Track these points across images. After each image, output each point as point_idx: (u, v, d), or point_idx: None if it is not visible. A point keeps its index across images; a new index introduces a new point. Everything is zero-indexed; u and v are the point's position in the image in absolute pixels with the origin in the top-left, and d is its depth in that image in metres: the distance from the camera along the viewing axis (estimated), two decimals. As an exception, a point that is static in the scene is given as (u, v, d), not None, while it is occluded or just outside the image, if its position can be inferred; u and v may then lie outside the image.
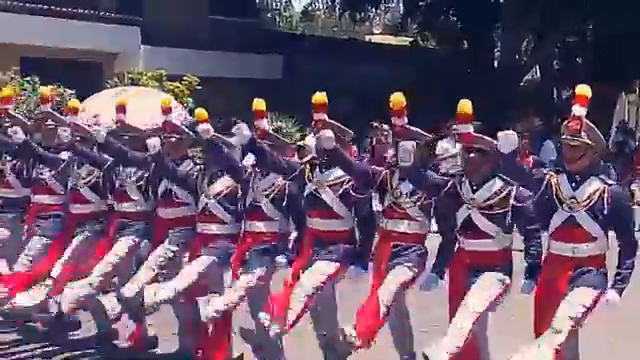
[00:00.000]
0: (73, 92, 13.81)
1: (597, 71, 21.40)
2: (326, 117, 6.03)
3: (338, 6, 26.48)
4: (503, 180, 5.57)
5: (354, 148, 13.95)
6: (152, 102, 11.84)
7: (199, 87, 15.48)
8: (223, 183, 6.54)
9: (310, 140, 14.41)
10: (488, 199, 5.55)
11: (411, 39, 26.60)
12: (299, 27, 35.17)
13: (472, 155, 5.60)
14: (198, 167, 6.79)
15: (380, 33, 33.38)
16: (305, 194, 6.21)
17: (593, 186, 5.35)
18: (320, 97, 6.04)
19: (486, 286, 5.47)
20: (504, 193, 5.55)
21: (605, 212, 5.28)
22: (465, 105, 5.51)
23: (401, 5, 27.29)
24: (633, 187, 17.89)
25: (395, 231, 5.95)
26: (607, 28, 21.15)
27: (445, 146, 16.45)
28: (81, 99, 13.32)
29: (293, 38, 27.38)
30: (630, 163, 18.47)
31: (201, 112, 6.35)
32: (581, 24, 22.43)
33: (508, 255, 5.65)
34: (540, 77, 25.12)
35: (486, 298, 5.44)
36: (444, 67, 22.82)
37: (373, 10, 26.36)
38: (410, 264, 5.85)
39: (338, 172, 6.09)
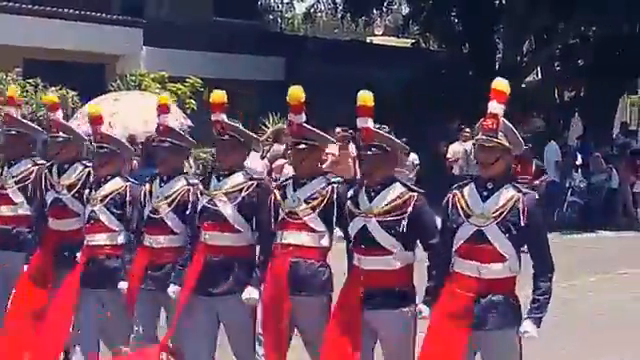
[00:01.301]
0: (76, 93, 13.85)
1: (598, 72, 21.38)
2: (224, 117, 5.52)
3: (340, 7, 26.48)
4: (405, 186, 5.04)
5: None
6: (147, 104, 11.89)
7: (202, 89, 15.49)
8: (111, 186, 5.93)
9: (332, 147, 14.23)
10: (387, 205, 4.94)
11: (413, 41, 26.59)
12: (301, 29, 35.16)
13: (370, 153, 5.01)
14: (88, 170, 6.18)
15: (382, 35, 33.36)
16: (199, 207, 5.52)
17: (506, 195, 4.70)
18: (218, 96, 5.55)
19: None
20: (404, 198, 4.95)
21: (518, 225, 4.65)
22: (365, 97, 5.02)
23: (403, 7, 27.29)
24: (637, 189, 17.82)
25: (292, 244, 5.21)
26: (608, 30, 21.14)
27: (456, 149, 16.50)
28: (83, 101, 13.43)
29: (296, 40, 27.36)
30: (633, 165, 18.44)
31: (93, 109, 5.97)
32: (585, 26, 22.41)
33: (410, 276, 5.02)
34: (541, 78, 25.09)
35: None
36: (446, 69, 22.80)
37: (375, 12, 26.33)
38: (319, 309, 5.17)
39: (237, 179, 5.48)
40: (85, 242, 5.94)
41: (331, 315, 5.10)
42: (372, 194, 5.00)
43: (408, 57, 24.48)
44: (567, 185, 17.49)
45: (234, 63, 20.87)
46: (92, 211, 5.89)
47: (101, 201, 5.87)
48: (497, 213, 4.67)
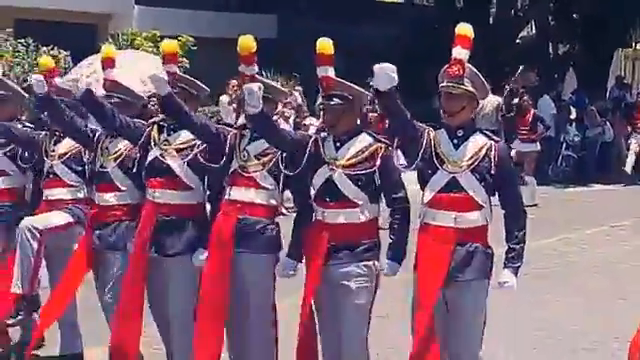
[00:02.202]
0: (68, 53, 13.77)
1: (593, 26, 21.27)
2: (177, 69, 5.29)
3: (332, -37, 26.23)
4: (371, 136, 4.86)
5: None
6: (143, 64, 11.82)
7: (194, 47, 15.40)
8: (68, 143, 5.81)
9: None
10: (353, 157, 4.75)
11: (406, -3, 26.43)
12: (293, -15, 34.93)
13: (333, 103, 4.80)
14: (27, 129, 6.03)
15: (375, -10, 33.05)
16: (148, 160, 5.28)
17: (478, 143, 4.61)
18: (170, 46, 5.30)
19: (355, 312, 4.73)
20: (371, 150, 4.77)
21: (492, 172, 4.57)
22: (324, 45, 4.79)
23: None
24: (631, 141, 17.81)
25: (240, 201, 4.99)
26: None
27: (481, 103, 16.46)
28: (76, 61, 13.36)
29: (288, -3, 27.16)
30: (627, 117, 18.44)
31: (45, 60, 5.75)
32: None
33: (375, 230, 4.83)
34: (536, 33, 24.97)
35: (362, 322, 4.75)
36: (439, 24, 22.68)
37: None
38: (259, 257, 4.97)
39: (189, 134, 5.21)
40: (44, 197, 5.83)
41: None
42: (338, 144, 4.82)
43: (401, 13, 24.32)
44: (561, 139, 17.50)
45: (226, 21, 20.72)
46: (51, 166, 5.80)
47: (59, 158, 5.79)
48: (471, 161, 4.56)
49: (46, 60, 5.84)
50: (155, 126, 5.36)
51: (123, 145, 5.46)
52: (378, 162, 4.74)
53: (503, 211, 4.71)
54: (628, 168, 17.50)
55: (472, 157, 4.57)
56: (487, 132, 4.74)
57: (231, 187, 5.04)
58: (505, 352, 6.48)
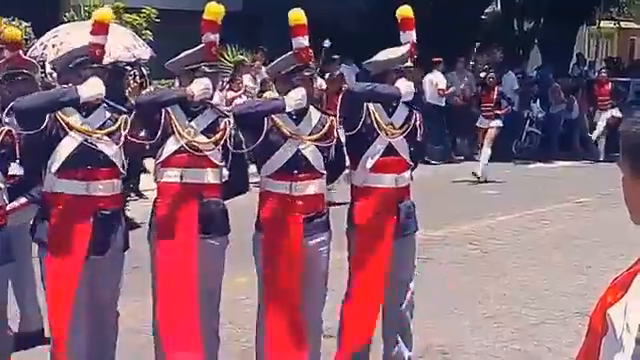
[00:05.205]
0: (29, 24, 13.56)
1: (558, 3, 21.36)
2: (105, 43, 4.66)
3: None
4: (318, 110, 4.94)
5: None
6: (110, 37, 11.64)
7: (158, 20, 15.24)
8: None
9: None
10: (318, 131, 4.80)
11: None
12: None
13: (308, 74, 4.85)
14: None
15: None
16: (71, 147, 4.48)
17: (405, 111, 5.09)
18: (103, 14, 4.72)
19: (322, 280, 4.89)
20: (329, 124, 4.85)
21: (416, 139, 5.13)
22: (298, 15, 4.78)
23: None
24: (598, 120, 17.76)
25: (198, 184, 4.63)
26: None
27: (432, 79, 16.52)
28: (37, 32, 13.16)
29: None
30: (589, 95, 18.56)
31: (12, 31, 4.97)
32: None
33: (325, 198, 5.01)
34: (501, 9, 25.03)
35: (324, 290, 4.91)
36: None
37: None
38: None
39: (105, 113, 4.60)
40: None
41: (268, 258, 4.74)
42: (294, 117, 4.76)
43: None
44: (525, 116, 17.59)
45: (191, -7, 20.55)
46: None
47: None
48: (405, 127, 5.05)
49: (12, 32, 5.34)
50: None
51: None
52: (336, 134, 4.94)
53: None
54: (602, 155, 16.97)
55: (405, 124, 5.05)
56: (406, 102, 5.12)
57: (181, 168, 4.63)
58: (468, 326, 6.53)
